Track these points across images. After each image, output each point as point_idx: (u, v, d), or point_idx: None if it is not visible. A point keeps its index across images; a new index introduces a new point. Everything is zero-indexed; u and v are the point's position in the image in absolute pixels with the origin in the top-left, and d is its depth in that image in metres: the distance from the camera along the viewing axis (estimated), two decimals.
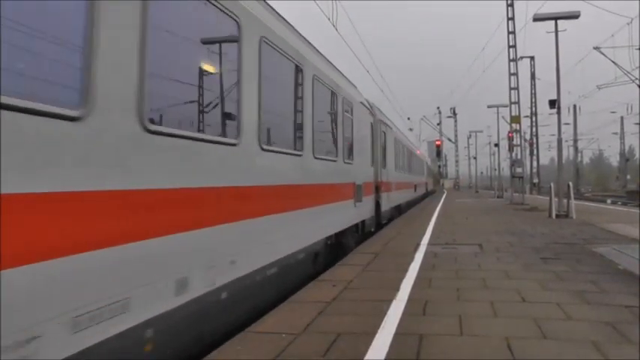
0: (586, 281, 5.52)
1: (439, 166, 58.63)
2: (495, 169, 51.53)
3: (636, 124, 60.52)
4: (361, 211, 10.25)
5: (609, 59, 25.93)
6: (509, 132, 26.67)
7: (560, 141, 17.07)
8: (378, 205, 12.59)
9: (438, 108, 59.12)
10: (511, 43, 25.23)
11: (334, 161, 8.08)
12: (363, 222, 10.62)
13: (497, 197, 31.62)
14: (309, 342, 3.63)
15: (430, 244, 8.97)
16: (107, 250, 2.71)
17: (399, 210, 17.75)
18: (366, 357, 3.30)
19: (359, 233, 10.31)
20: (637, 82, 26.38)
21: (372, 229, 11.76)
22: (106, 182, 2.76)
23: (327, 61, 8.24)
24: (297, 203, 6.05)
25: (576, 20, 16.88)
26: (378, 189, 12.58)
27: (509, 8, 25.94)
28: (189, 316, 3.54)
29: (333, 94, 8.14)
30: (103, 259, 2.68)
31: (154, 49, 3.24)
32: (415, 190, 26.17)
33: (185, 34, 3.85)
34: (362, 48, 21.98)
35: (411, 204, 23.17)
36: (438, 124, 57.13)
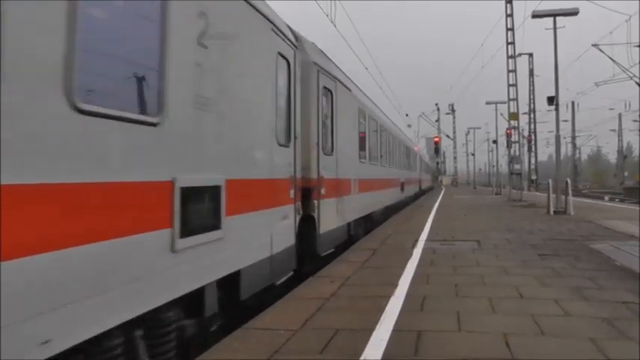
0: (584, 278, 5.53)
1: (437, 163, 58.58)
2: (494, 166, 51.55)
3: (635, 121, 60.61)
4: (211, 257, 3.86)
5: (608, 56, 25.94)
6: (507, 129, 26.75)
7: (558, 138, 17.08)
8: (311, 221, 7.05)
9: (437, 105, 59.14)
10: (510, 40, 25.25)
11: None
12: (230, 280, 4.31)
13: (496, 194, 31.68)
14: (307, 338, 3.63)
15: (428, 240, 8.97)
16: None
17: (368, 222, 11.92)
18: (364, 353, 3.30)
19: (209, 315, 3.98)
20: (635, 79, 26.40)
21: (290, 272, 6.10)
22: None
23: None
24: None
25: (575, 17, 16.91)
26: (310, 192, 7.02)
27: (508, 5, 25.94)
28: None
29: None
30: None
31: None
32: (402, 189, 19.84)
33: None
34: (362, 47, 21.98)
35: (394, 209, 17.22)
36: (436, 121, 57.16)
